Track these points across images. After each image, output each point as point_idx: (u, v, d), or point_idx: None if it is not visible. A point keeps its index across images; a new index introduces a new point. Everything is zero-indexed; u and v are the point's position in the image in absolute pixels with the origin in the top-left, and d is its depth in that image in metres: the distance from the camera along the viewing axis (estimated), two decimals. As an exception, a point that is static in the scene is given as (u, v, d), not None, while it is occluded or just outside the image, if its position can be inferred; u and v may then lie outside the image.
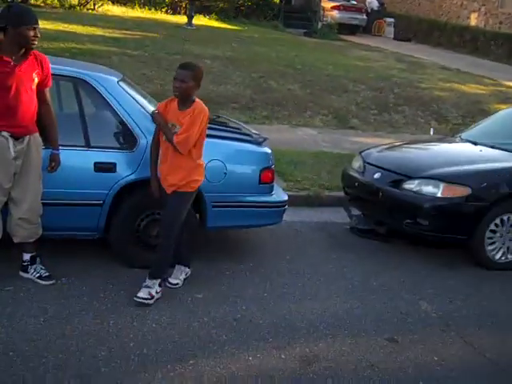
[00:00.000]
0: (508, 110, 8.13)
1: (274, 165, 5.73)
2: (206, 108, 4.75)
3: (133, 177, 5.07)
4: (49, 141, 4.77)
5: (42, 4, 18.26)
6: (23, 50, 4.53)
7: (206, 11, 21.50)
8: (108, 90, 5.13)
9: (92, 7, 18.76)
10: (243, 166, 5.53)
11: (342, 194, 7.35)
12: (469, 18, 30.36)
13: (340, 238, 6.74)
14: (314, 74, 14.47)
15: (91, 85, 5.10)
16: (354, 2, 27.89)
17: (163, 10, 21.04)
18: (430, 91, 14.62)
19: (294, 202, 7.34)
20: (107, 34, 14.98)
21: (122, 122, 5.12)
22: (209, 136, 5.49)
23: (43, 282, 4.79)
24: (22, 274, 4.86)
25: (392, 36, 28.05)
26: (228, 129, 5.94)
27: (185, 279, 5.11)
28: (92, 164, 4.97)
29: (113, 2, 20.21)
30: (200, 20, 20.25)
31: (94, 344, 4.10)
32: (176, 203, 4.74)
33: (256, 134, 5.87)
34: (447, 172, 6.25)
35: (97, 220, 5.07)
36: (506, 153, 6.70)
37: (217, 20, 21.27)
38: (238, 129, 6.08)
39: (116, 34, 15.25)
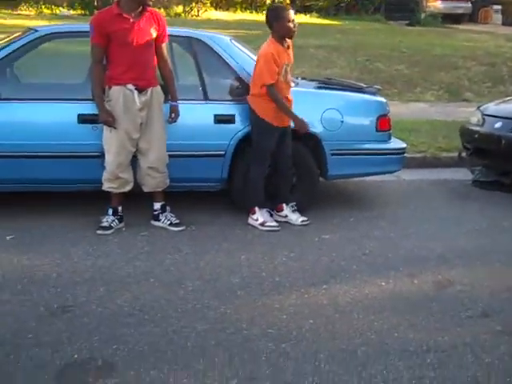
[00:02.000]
0: None
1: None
2: None
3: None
4: (168, 94, 4.98)
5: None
6: (140, 8, 4.77)
7: (306, 10, 21.67)
8: (222, 47, 5.33)
9: (196, 13, 19.38)
10: (359, 114, 5.54)
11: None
12: None
13: (462, 191, 6.58)
14: (420, 55, 14.22)
15: (206, 43, 5.31)
16: (458, -9, 27.20)
17: (264, 12, 21.37)
18: (545, 63, 14.00)
19: (410, 164, 7.24)
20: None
21: (237, 76, 5.28)
22: (323, 88, 5.61)
23: (174, 229, 4.98)
24: (153, 222, 5.07)
25: (500, 22, 27.12)
26: (341, 82, 6.00)
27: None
28: (212, 116, 5.14)
29: (215, 8, 20.78)
30: (301, 18, 20.39)
31: (228, 273, 4.22)
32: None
33: (368, 86, 5.89)
34: None
35: (220, 171, 5.22)
36: None
37: (317, 18, 21.36)
38: (351, 84, 6.11)
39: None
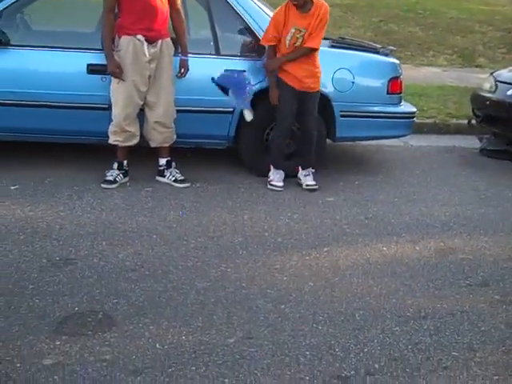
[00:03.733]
0: None
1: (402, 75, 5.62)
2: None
3: (262, 84, 5.14)
4: (178, 46, 4.92)
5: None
6: None
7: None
8: (237, 0, 5.22)
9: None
10: (371, 76, 5.48)
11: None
12: None
13: (470, 158, 6.54)
14: (436, 17, 13.95)
15: (221, -5, 5.20)
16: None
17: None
18: None
19: (420, 129, 7.21)
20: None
21: (250, 31, 5.20)
22: (335, 47, 5.53)
23: (179, 185, 4.97)
24: (158, 178, 5.07)
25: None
26: (354, 42, 5.91)
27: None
28: (223, 71, 5.08)
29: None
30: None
31: (231, 232, 4.24)
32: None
33: (382, 46, 5.79)
34: None
35: (227, 128, 5.20)
36: None
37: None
38: (365, 44, 6.02)
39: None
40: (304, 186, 5.12)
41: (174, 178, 5.01)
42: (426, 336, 3.17)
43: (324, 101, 5.23)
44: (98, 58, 4.90)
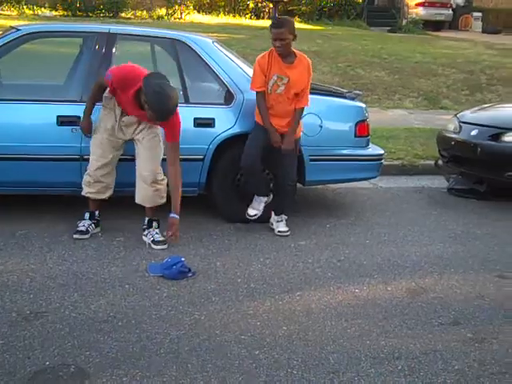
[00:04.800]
0: None
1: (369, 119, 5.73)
2: None
3: (231, 131, 5.20)
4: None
5: (132, 16, 19.01)
6: None
7: (289, 15, 21.68)
8: (204, 49, 5.33)
9: (179, 16, 19.35)
10: (338, 120, 5.58)
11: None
12: None
13: (438, 198, 6.64)
14: (401, 62, 14.32)
15: (188, 45, 5.29)
16: (439, -2, 27.42)
17: (247, 16, 21.41)
18: (524, 72, 14.17)
19: (388, 170, 7.33)
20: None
21: (218, 79, 5.28)
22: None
23: (155, 247, 4.75)
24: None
25: (480, 30, 27.38)
26: (321, 87, 6.03)
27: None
28: (192, 119, 5.14)
29: (198, 11, 20.76)
30: (283, 23, 20.49)
31: (204, 279, 4.24)
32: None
33: (349, 91, 5.92)
34: (549, 120, 6.08)
35: (198, 175, 5.23)
36: None
37: (300, 22, 21.42)
38: (331, 89, 6.15)
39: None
40: (276, 232, 5.15)
41: (152, 239, 4.85)
42: (400, 377, 3.18)
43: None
44: (67, 110, 4.94)
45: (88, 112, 4.85)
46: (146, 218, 4.95)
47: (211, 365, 3.20)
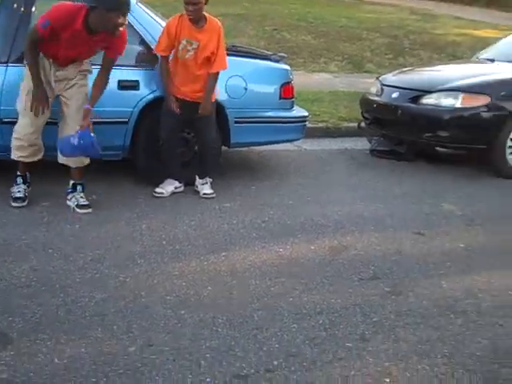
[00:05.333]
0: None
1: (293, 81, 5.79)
2: None
3: (156, 94, 5.16)
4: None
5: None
6: None
7: (215, -23, 21.49)
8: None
9: None
10: (263, 82, 5.63)
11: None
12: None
13: (361, 159, 6.81)
14: (327, 26, 14.42)
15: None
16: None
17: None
18: (444, 37, 14.55)
19: (313, 133, 7.44)
20: None
21: (142, 41, 5.22)
22: (228, 55, 5.62)
23: (79, 210, 4.73)
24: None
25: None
26: (246, 50, 6.05)
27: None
28: (116, 82, 5.06)
29: None
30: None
31: (129, 242, 4.24)
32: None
33: (273, 53, 5.96)
34: (465, 83, 6.32)
35: (123, 138, 5.18)
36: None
37: (226, -15, 21.25)
38: (256, 52, 6.17)
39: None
40: (201, 195, 5.18)
41: (76, 203, 4.81)
42: (321, 330, 3.30)
43: (218, 108, 5.31)
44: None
45: (38, 80, 4.59)
46: (71, 182, 4.88)
47: (136, 325, 3.23)
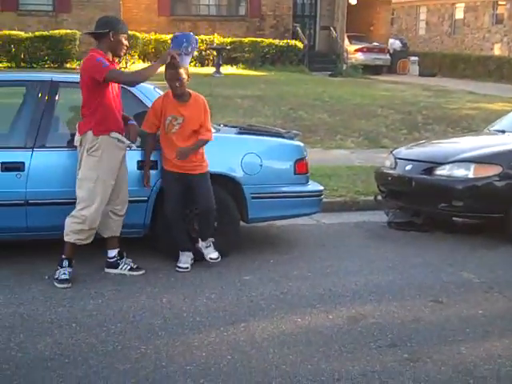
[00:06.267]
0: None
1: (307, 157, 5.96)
2: None
3: (175, 172, 5.35)
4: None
5: (78, 66, 19.12)
6: None
7: (232, 62, 22.16)
8: (146, 94, 5.49)
9: (124, 65, 19.56)
10: (277, 158, 5.80)
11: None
12: (492, 49, 30.79)
13: (378, 232, 6.88)
14: (342, 104, 14.81)
15: (130, 91, 5.43)
16: (377, 44, 28.47)
17: (191, 63, 21.77)
18: (458, 111, 14.82)
19: (330, 207, 7.58)
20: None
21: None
22: (242, 133, 5.87)
23: (136, 273, 5.05)
24: (108, 270, 5.09)
25: (417, 73, 28.50)
26: (261, 128, 6.28)
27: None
28: (136, 162, 5.27)
29: (143, 60, 21.00)
30: (227, 70, 20.93)
31: (150, 315, 4.33)
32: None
33: (287, 131, 6.18)
34: (477, 154, 6.46)
35: (143, 216, 5.34)
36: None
37: (243, 69, 21.93)
38: (271, 130, 6.40)
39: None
40: (208, 259, 5.29)
41: (129, 267, 5.06)
42: (340, 397, 3.32)
43: (234, 185, 5.49)
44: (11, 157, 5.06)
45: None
46: (115, 251, 5.12)
47: (157, 395, 3.29)
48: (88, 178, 4.84)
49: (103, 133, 4.84)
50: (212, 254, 5.31)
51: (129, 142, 5.01)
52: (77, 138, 4.94)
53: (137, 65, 20.44)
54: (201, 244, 5.35)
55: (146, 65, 20.66)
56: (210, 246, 5.34)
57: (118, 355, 3.73)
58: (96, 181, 4.83)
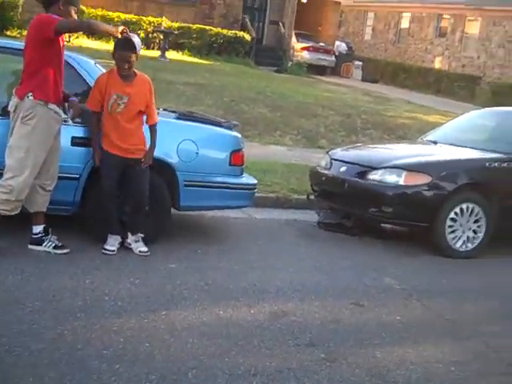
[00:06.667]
0: (464, 115, 8.55)
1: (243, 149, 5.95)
2: None
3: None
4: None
5: (18, 35, 18.55)
6: None
7: (178, 48, 21.93)
8: (86, 69, 5.39)
9: (67, 39, 19.06)
10: (214, 148, 5.77)
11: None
12: (433, 61, 31.56)
13: (309, 231, 6.95)
14: (284, 100, 14.89)
15: (70, 64, 5.29)
16: (323, 44, 28.75)
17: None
18: (395, 119, 15.15)
19: (263, 203, 7.59)
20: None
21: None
22: (181, 119, 5.81)
23: (59, 251, 4.92)
24: (32, 247, 4.94)
25: (360, 78, 28.95)
26: (200, 116, 6.24)
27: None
28: (70, 138, 5.15)
29: (88, 37, 20.52)
30: (173, 55, 20.71)
31: (71, 296, 4.24)
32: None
33: (226, 121, 6.16)
34: (409, 162, 6.61)
35: (73, 194, 5.22)
36: (464, 148, 7.08)
37: (189, 56, 21.75)
38: (210, 118, 6.36)
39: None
40: (137, 252, 5.21)
41: (53, 245, 4.92)
42: (254, 392, 3.34)
43: (169, 170, 5.43)
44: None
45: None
46: (41, 226, 4.97)
47: (70, 377, 3.23)
48: (19, 147, 4.69)
49: (42, 99, 4.68)
50: (142, 247, 5.23)
51: (65, 116, 4.88)
52: (12, 102, 4.77)
53: (81, 40, 20.02)
54: (130, 239, 5.26)
55: (91, 42, 20.28)
56: (139, 240, 5.26)
57: (33, 334, 3.63)
58: (27, 151, 4.67)
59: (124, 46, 5.02)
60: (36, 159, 4.72)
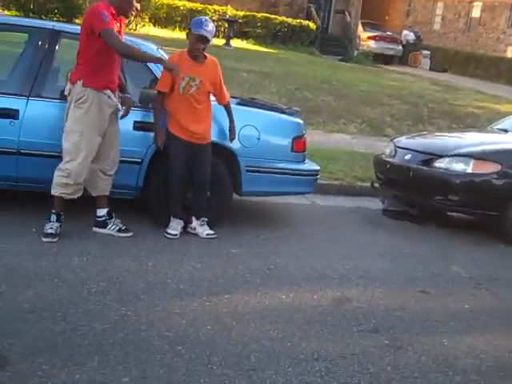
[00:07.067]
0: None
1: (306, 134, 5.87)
2: None
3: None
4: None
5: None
6: None
7: (243, 36, 22.01)
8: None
9: (134, 28, 19.34)
10: (276, 134, 5.71)
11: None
12: (505, 51, 30.54)
13: (372, 218, 6.83)
14: (348, 89, 14.70)
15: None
16: (390, 33, 28.27)
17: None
18: (464, 108, 14.73)
19: (327, 190, 7.52)
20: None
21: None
22: (243, 105, 5.78)
23: (123, 234, 4.99)
24: (96, 229, 5.02)
25: (428, 67, 28.31)
26: (262, 102, 6.20)
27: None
28: (132, 122, 5.18)
29: (154, 25, 20.80)
30: (238, 44, 20.76)
31: (133, 278, 4.28)
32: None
33: (288, 107, 6.10)
34: (477, 149, 6.39)
35: (136, 178, 5.25)
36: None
37: (254, 44, 21.77)
38: (272, 104, 6.31)
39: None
40: (204, 235, 5.22)
41: (117, 228, 4.99)
42: (316, 377, 3.30)
43: (230, 156, 5.41)
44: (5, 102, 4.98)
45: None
46: (105, 210, 5.04)
47: (133, 357, 3.25)
48: (73, 131, 4.75)
49: (92, 86, 4.72)
50: (208, 230, 5.25)
51: (118, 102, 4.90)
52: (67, 87, 4.84)
53: (147, 28, 20.29)
54: (195, 223, 5.27)
55: (158, 30, 20.50)
56: (204, 224, 5.28)
57: (97, 314, 3.68)
58: (81, 134, 4.72)
59: (209, 30, 5.06)
60: (90, 142, 4.77)
